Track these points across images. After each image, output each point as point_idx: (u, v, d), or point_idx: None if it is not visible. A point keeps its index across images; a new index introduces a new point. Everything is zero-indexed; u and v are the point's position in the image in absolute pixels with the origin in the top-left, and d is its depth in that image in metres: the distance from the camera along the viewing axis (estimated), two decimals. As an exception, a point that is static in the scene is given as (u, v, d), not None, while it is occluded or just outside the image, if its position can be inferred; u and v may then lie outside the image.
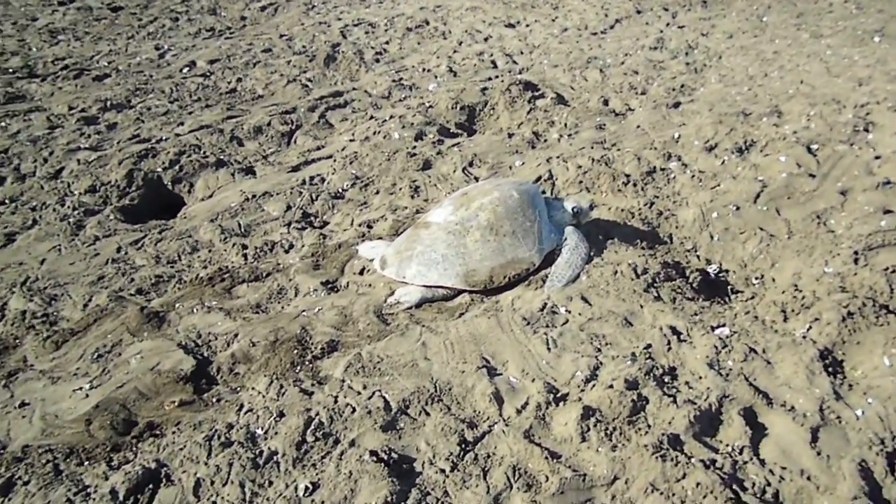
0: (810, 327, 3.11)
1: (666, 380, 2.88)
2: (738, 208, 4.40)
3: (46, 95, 7.36)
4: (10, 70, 8.39)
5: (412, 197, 4.76)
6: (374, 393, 2.89)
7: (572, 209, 3.99)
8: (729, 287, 3.89)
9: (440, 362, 3.08)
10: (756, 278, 3.98)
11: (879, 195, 4.34)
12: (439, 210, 3.84)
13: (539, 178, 4.89)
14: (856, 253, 3.76)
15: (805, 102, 5.93)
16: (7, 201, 4.98)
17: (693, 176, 4.86)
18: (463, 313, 3.47)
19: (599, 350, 3.08)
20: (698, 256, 4.17)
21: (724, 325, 3.18)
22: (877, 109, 5.63)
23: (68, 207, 4.77)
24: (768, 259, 4.05)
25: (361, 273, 3.88)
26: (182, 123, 6.35)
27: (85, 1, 12.49)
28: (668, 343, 3.08)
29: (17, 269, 4.08)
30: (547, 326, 3.26)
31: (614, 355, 3.03)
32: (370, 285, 3.75)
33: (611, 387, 2.78)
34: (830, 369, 2.89)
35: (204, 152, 5.62)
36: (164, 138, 5.94)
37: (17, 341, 3.50)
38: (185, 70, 8.31)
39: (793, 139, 5.09)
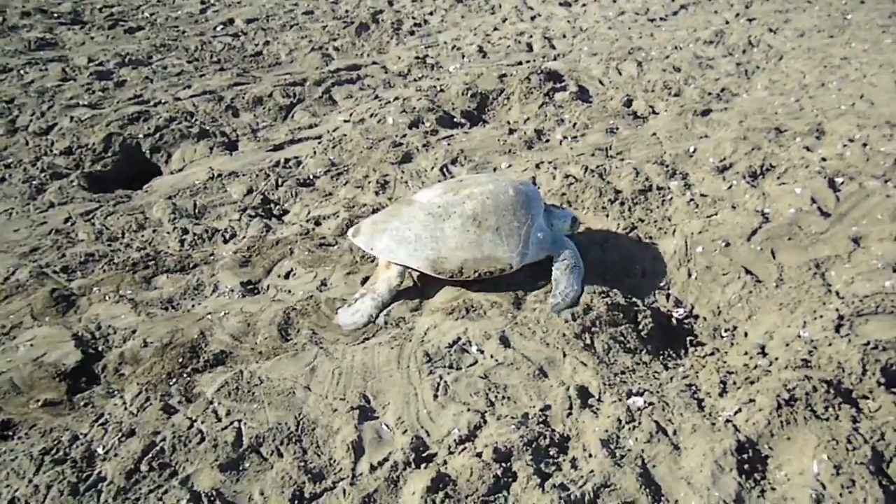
0: (739, 410, 2.66)
1: (551, 453, 2.53)
2: (727, 244, 3.89)
3: (77, 45, 7.41)
4: (56, 15, 8.50)
5: (377, 193, 4.47)
6: (232, 423, 2.67)
7: (572, 218, 3.74)
8: (689, 338, 3.43)
9: (318, 394, 2.82)
10: (726, 330, 3.51)
11: (896, 248, 3.74)
12: (427, 191, 3.60)
13: (520, 185, 4.49)
14: (841, 317, 3.24)
15: (854, 123, 5.22)
16: (-12, 155, 4.99)
17: (691, 200, 4.35)
18: (369, 338, 3.18)
19: (492, 405, 2.74)
20: (668, 296, 3.71)
21: (640, 394, 2.77)
22: (936, 139, 4.90)
23: (38, 168, 4.72)
24: (746, 309, 3.57)
25: (287, 276, 3.64)
26: (189, 87, 6.23)
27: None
28: (570, 407, 2.70)
29: (-39, 231, 4.05)
30: (448, 367, 2.94)
31: (504, 414, 2.68)
32: (290, 291, 3.50)
33: (479, 454, 2.45)
34: (747, 466, 2.45)
35: (194, 121, 5.47)
36: (162, 101, 5.83)
37: (-71, 311, 3.45)
38: (218, 28, 8.21)
39: (817, 168, 4.47)
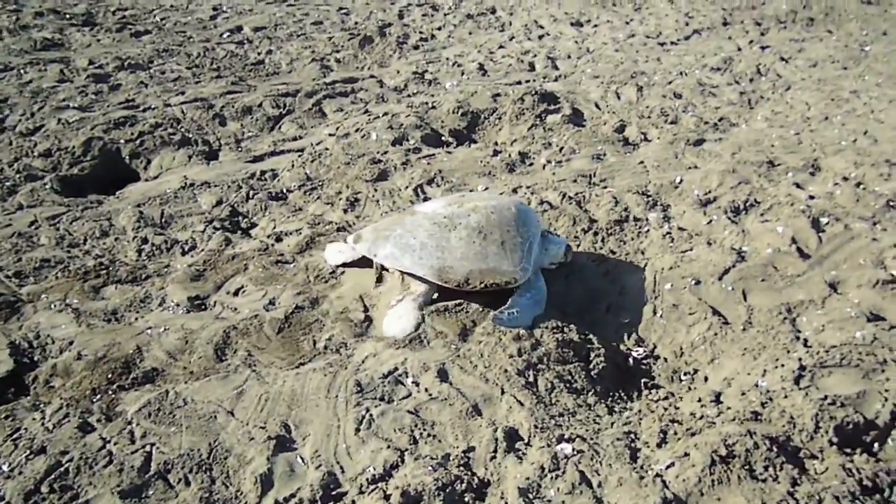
0: (672, 464, 2.51)
1: (466, 499, 2.40)
2: (697, 282, 3.74)
3: (82, 46, 7.47)
4: (69, 16, 8.59)
5: (345, 211, 4.38)
6: (144, 446, 2.58)
7: (567, 246, 3.75)
8: (645, 380, 3.28)
9: (240, 420, 2.73)
10: (685, 374, 3.35)
11: (874, 295, 3.55)
12: (431, 203, 3.65)
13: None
14: (802, 368, 3.07)
15: (851, 160, 5.03)
16: (-30, 154, 5.00)
17: (668, 233, 4.20)
18: (305, 363, 3.08)
19: (415, 442, 2.62)
20: (630, 334, 3.56)
21: (572, 440, 2.63)
22: (935, 181, 4.69)
23: (14, 170, 4.72)
24: (709, 352, 3.41)
25: (236, 293, 3.56)
26: (182, 93, 6.22)
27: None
28: (495, 450, 2.58)
29: (-75, 231, 4.05)
30: (379, 399, 2.83)
31: (425, 454, 2.56)
32: (235, 309, 3.42)
33: (388, 497, 2.34)
34: (671, 528, 2.31)
35: (179, 128, 5.45)
36: (152, 107, 5.82)
37: None
38: (225, 35, 8.23)
39: (803, 206, 4.30)
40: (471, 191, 4.67)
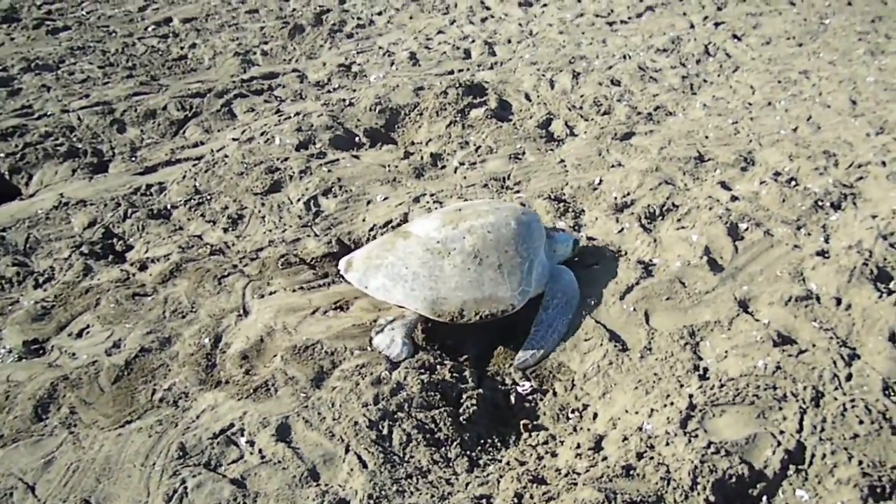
0: (514, 543, 2.20)
1: None
2: (597, 303, 3.40)
3: (-8, 46, 7.04)
4: (-12, 13, 8.14)
5: (226, 230, 4.03)
6: (-83, 536, 2.27)
7: (574, 241, 3.58)
8: (524, 422, 2.95)
9: (38, 498, 2.40)
10: (574, 410, 3.03)
11: (786, 315, 3.22)
12: (425, 221, 3.39)
13: (388, 224, 4.02)
14: (692, 407, 2.75)
15: (788, 152, 4.67)
16: None
17: (574, 246, 3.85)
18: (133, 420, 2.75)
19: (230, 521, 2.31)
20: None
21: (406, 515, 2.32)
22: (874, 173, 4.34)
23: None
24: (601, 385, 3.08)
25: (80, 335, 3.22)
26: (87, 96, 5.83)
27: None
28: (317, 530, 2.26)
29: None
30: (203, 465, 2.50)
31: (235, 537, 2.25)
32: (74, 354, 3.09)
33: None
34: None
35: (73, 136, 5.07)
36: (48, 114, 5.43)
37: None
38: (150, 28, 7.80)
39: (722, 210, 3.94)
40: (369, 202, 4.30)
